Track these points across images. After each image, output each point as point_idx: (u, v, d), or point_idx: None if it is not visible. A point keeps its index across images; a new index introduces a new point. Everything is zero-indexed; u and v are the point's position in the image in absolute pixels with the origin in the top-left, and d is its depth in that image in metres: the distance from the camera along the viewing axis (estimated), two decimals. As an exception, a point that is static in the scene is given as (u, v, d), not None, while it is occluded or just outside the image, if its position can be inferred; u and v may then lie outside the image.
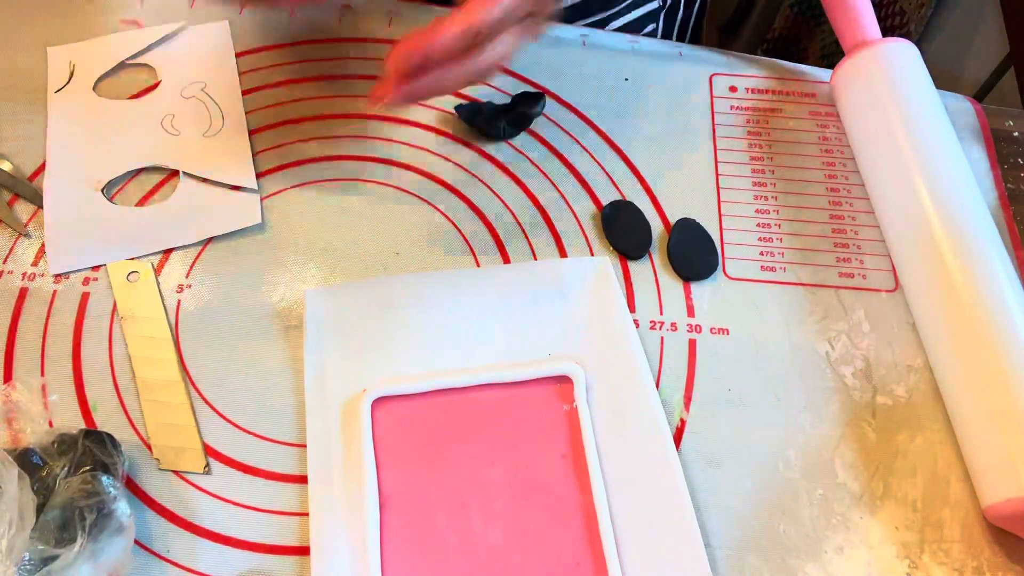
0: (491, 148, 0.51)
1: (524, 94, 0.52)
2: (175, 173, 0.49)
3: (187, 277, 0.45)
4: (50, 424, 0.40)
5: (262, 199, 0.48)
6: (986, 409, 0.39)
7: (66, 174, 0.49)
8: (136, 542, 0.37)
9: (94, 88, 0.53)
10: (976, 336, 0.40)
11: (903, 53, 0.49)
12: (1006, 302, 0.40)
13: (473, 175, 0.50)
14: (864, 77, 0.49)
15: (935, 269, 0.43)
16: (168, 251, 0.46)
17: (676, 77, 0.55)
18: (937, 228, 0.43)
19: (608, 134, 0.52)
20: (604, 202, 0.49)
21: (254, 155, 0.50)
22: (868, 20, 0.51)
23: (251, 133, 0.51)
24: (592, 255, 0.47)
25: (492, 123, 0.50)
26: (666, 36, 0.71)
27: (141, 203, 0.48)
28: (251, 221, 0.47)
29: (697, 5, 0.75)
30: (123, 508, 0.35)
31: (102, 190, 0.48)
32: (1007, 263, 0.42)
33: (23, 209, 0.48)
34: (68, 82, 0.53)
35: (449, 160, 0.50)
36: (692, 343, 0.44)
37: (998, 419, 0.38)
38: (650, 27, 0.69)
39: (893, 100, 0.48)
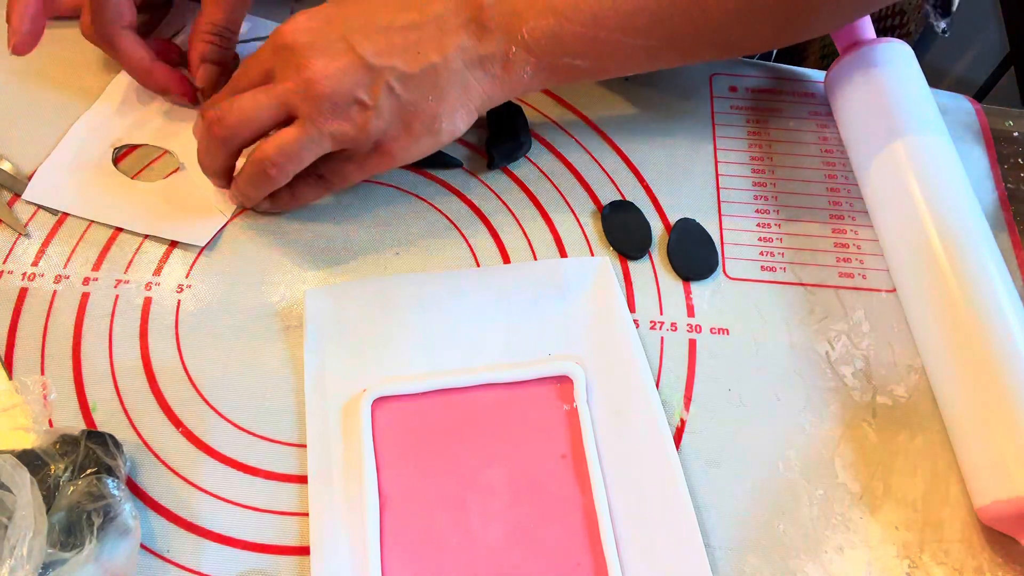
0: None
1: (507, 107, 0.51)
2: (178, 163, 0.50)
3: (187, 277, 0.45)
4: (50, 424, 0.40)
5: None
6: (979, 411, 0.39)
7: (98, 121, 0.51)
8: (136, 542, 0.37)
9: None
10: (969, 338, 0.40)
11: (896, 53, 0.49)
12: (999, 303, 0.40)
13: (473, 175, 0.50)
14: (856, 77, 0.49)
15: (928, 271, 0.42)
16: (168, 251, 0.46)
17: (676, 77, 0.55)
18: (930, 229, 0.43)
19: (608, 134, 0.52)
20: (604, 202, 0.49)
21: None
22: (862, 20, 0.51)
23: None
24: (592, 255, 0.47)
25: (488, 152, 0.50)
26: None
27: (135, 176, 0.49)
28: (198, 240, 0.46)
29: None
30: (129, 511, 0.35)
31: (114, 148, 0.49)
32: (1000, 263, 0.42)
33: (23, 209, 0.48)
34: None
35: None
36: (692, 343, 0.44)
37: (990, 421, 0.38)
38: None
39: (885, 100, 0.48)
